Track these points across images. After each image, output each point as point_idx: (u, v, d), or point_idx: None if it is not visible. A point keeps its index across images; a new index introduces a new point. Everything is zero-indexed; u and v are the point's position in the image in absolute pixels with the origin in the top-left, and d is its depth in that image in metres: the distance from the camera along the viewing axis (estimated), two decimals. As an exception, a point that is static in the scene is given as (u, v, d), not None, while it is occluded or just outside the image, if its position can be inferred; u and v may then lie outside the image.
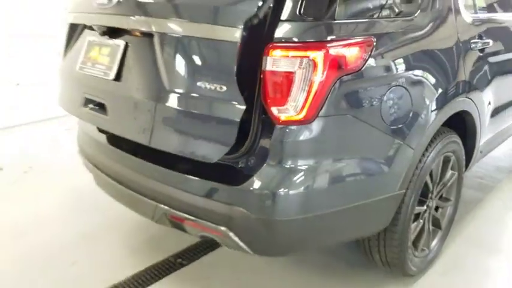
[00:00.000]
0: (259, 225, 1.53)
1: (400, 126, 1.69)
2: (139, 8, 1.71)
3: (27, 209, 2.87)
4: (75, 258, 2.35)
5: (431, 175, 2.03)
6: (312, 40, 1.45)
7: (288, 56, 1.42)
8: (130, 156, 1.80)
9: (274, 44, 1.41)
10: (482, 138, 2.46)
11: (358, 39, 1.52)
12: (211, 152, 1.51)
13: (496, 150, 3.91)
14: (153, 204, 1.75)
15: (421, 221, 2.09)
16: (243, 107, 1.42)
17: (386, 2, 1.72)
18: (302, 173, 1.51)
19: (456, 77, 1.99)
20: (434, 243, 2.28)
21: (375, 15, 1.67)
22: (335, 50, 1.47)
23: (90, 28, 1.94)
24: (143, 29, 1.67)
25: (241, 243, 1.60)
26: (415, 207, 1.96)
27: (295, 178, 1.50)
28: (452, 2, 2.03)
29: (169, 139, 1.63)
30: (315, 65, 1.43)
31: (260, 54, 1.42)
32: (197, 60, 1.57)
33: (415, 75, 1.75)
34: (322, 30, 1.49)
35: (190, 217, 1.65)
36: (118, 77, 1.74)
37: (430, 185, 2.06)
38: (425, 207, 2.09)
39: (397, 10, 1.76)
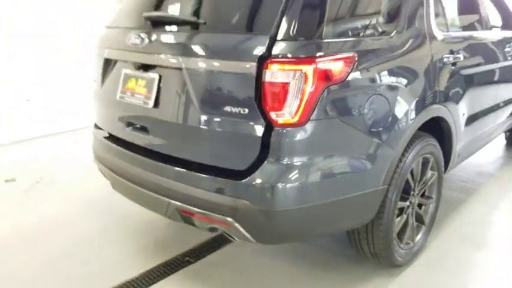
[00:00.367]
0: (261, 216, 1.77)
1: (380, 129, 1.95)
2: (167, 47, 2.00)
3: (41, 214, 3.09)
4: (87, 258, 2.56)
5: (412, 174, 2.29)
6: (304, 56, 1.72)
7: (283, 69, 1.68)
8: (147, 160, 2.05)
9: (272, 60, 1.68)
10: (459, 143, 2.72)
11: (342, 55, 1.80)
12: (240, 162, 1.79)
13: (478, 157, 4.21)
14: (166, 201, 1.99)
15: (404, 215, 2.33)
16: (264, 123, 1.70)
17: (367, 23, 2.01)
18: (297, 169, 1.76)
19: (430, 87, 2.27)
20: (418, 237, 2.51)
21: (357, 35, 1.95)
22: (323, 64, 1.73)
23: (125, 62, 2.21)
24: (173, 65, 1.95)
25: (245, 233, 1.83)
26: (398, 202, 2.21)
27: (291, 173, 1.75)
28: (425, 22, 2.32)
29: (203, 154, 1.91)
30: (306, 77, 1.69)
31: None
32: (220, 88, 1.84)
33: (392, 85, 2.02)
34: (312, 47, 1.76)
35: (200, 210, 1.88)
36: (156, 104, 2.01)
37: (412, 183, 2.31)
38: (408, 203, 2.34)
39: (376, 30, 2.05)
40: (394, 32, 2.11)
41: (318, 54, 1.75)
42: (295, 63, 1.70)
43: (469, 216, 3.08)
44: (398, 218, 2.29)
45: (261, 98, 1.70)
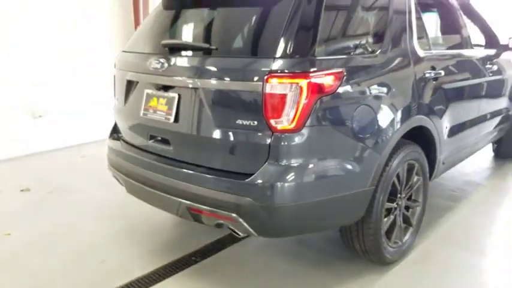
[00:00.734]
0: (262, 211, 2.01)
1: (367, 135, 2.20)
2: (185, 70, 2.28)
3: (56, 220, 3.31)
4: (103, 258, 2.77)
5: (398, 178, 2.53)
6: (299, 71, 1.99)
7: (281, 83, 1.95)
8: (163, 166, 2.32)
9: (272, 74, 1.95)
10: (443, 152, 2.97)
11: (332, 71, 2.07)
12: (251, 166, 2.04)
13: (466, 167, 4.46)
14: (178, 201, 2.23)
15: (391, 216, 2.56)
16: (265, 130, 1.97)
17: (354, 44, 2.30)
18: (294, 170, 2.01)
19: (413, 100, 2.53)
20: (406, 237, 2.74)
21: (345, 53, 2.24)
22: (316, 78, 2.00)
23: (147, 83, 2.48)
24: (190, 85, 2.22)
25: (248, 227, 2.07)
26: (386, 203, 2.45)
27: (288, 173, 2.00)
28: (408, 43, 2.60)
29: (215, 159, 2.19)
30: (301, 89, 1.96)
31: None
32: (233, 104, 2.12)
33: (377, 97, 2.29)
34: (306, 64, 2.03)
35: (207, 208, 2.12)
36: (176, 119, 2.29)
37: (398, 186, 2.55)
38: (395, 204, 2.57)
39: (362, 50, 2.34)
40: (379, 51, 2.39)
41: (312, 69, 2.02)
42: (292, 77, 1.96)
43: (455, 221, 3.31)
44: (386, 218, 2.52)
45: (262, 107, 1.96)
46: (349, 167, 2.16)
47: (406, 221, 2.74)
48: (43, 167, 4.62)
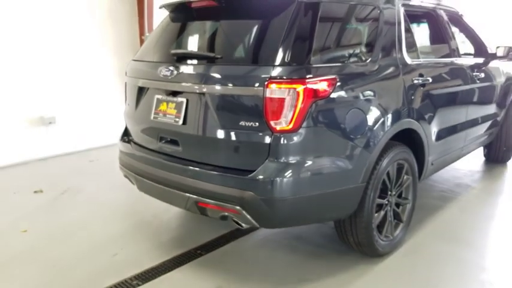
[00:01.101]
0: (263, 204, 2.23)
1: (358, 136, 2.43)
2: (192, 77, 2.51)
3: (69, 218, 3.53)
4: (115, 251, 2.99)
5: (388, 176, 2.75)
6: (296, 78, 2.22)
7: (280, 88, 2.18)
8: (172, 164, 2.54)
9: (271, 80, 2.18)
10: (431, 154, 3.18)
11: (326, 77, 2.30)
12: (252, 163, 2.26)
13: (457, 171, 4.68)
14: (186, 195, 2.45)
15: (382, 212, 2.77)
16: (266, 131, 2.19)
17: (346, 53, 2.54)
18: (292, 166, 2.23)
19: (402, 104, 2.75)
20: (397, 232, 2.94)
21: (338, 62, 2.47)
22: (311, 84, 2.23)
23: (157, 89, 2.71)
24: (197, 90, 2.45)
25: (251, 218, 2.28)
26: (377, 199, 2.66)
27: (287, 170, 2.22)
28: (397, 52, 2.83)
29: (220, 158, 2.40)
30: (298, 94, 2.19)
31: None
32: (236, 108, 2.35)
33: (367, 101, 2.51)
34: (302, 71, 2.26)
35: (214, 201, 2.34)
36: (185, 122, 2.51)
37: (388, 184, 2.77)
38: (386, 201, 2.78)
39: (353, 58, 2.57)
40: (370, 59, 2.62)
41: (308, 76, 2.25)
42: (290, 83, 2.19)
43: (444, 218, 3.52)
44: (378, 213, 2.73)
45: (263, 110, 2.19)
46: (342, 164, 2.38)
47: (397, 217, 2.95)
48: (54, 170, 4.85)
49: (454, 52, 3.66)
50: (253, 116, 2.25)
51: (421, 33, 3.74)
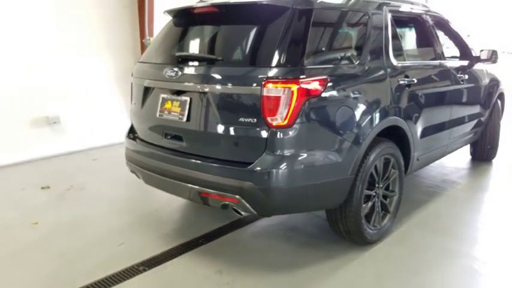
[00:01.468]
0: (260, 193, 2.45)
1: (347, 131, 2.65)
2: (196, 77, 2.72)
3: (76, 212, 3.73)
4: (121, 241, 3.19)
5: (376, 170, 2.97)
6: (291, 78, 2.44)
7: (276, 87, 2.40)
8: (176, 158, 2.76)
9: (268, 80, 2.41)
10: (417, 150, 3.41)
11: (318, 77, 2.52)
12: (251, 156, 2.48)
13: (444, 168, 4.93)
14: (190, 186, 2.67)
15: (370, 202, 2.99)
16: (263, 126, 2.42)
17: (336, 56, 2.76)
18: (286, 159, 2.45)
19: (387, 103, 2.98)
20: (385, 222, 3.17)
21: (329, 63, 2.70)
22: (304, 84, 2.46)
23: (162, 89, 2.92)
24: (200, 90, 2.66)
25: (249, 207, 2.50)
26: (365, 191, 2.88)
27: (282, 162, 2.44)
28: (384, 55, 3.06)
29: (221, 151, 2.62)
30: (292, 93, 2.41)
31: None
32: (236, 105, 2.56)
33: (356, 100, 2.73)
34: (296, 72, 2.48)
35: (215, 191, 2.56)
36: (188, 119, 2.73)
37: (376, 177, 2.99)
38: (373, 192, 3.01)
39: (343, 61, 2.80)
40: (358, 61, 2.85)
41: (301, 76, 2.47)
42: (285, 83, 2.42)
43: (429, 211, 3.75)
44: (366, 204, 2.95)
45: (260, 107, 2.42)
46: (332, 157, 2.61)
47: (385, 208, 3.18)
48: (59, 168, 5.04)
49: (439, 55, 3.90)
50: (252, 113, 2.47)
51: (408, 37, 3.98)
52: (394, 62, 3.15)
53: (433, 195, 4.15)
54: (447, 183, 4.52)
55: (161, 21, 3.40)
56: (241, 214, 2.63)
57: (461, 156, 5.31)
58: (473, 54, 4.48)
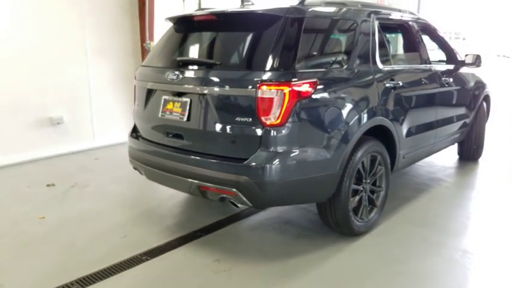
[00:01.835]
0: (256, 186, 2.66)
1: (335, 130, 2.88)
2: (195, 80, 2.94)
3: (81, 207, 3.93)
4: (124, 234, 3.39)
5: (363, 166, 3.19)
6: (283, 80, 2.66)
7: (270, 89, 2.62)
8: (177, 155, 2.97)
9: (263, 83, 2.63)
10: (402, 148, 3.63)
11: (308, 80, 2.74)
12: (246, 153, 2.69)
13: (432, 166, 5.15)
14: (190, 181, 2.88)
15: (357, 196, 3.21)
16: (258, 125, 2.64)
17: (325, 60, 2.99)
18: (279, 155, 2.67)
19: (373, 104, 3.20)
20: (372, 215, 3.39)
21: (318, 67, 2.93)
22: (296, 86, 2.68)
23: (164, 91, 3.13)
24: (200, 91, 2.88)
25: (245, 199, 2.71)
26: (353, 185, 3.10)
27: (276, 158, 2.66)
28: (371, 59, 3.29)
29: (220, 148, 2.83)
30: (284, 94, 2.63)
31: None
32: (233, 106, 2.78)
33: (343, 101, 2.96)
34: (288, 75, 2.70)
35: (214, 185, 2.77)
36: (189, 119, 2.94)
37: (363, 173, 3.22)
38: (361, 187, 3.23)
39: (332, 65, 3.03)
40: (346, 66, 3.08)
41: (293, 79, 2.69)
42: (278, 85, 2.64)
43: (416, 206, 3.97)
44: (353, 198, 3.17)
45: (255, 108, 2.64)
46: (322, 153, 2.83)
47: (372, 202, 3.40)
48: (62, 167, 5.23)
49: (424, 59, 4.13)
50: (247, 113, 2.69)
51: (394, 42, 4.21)
52: (381, 66, 3.38)
53: (419, 191, 4.37)
54: (434, 180, 4.74)
55: (161, 26, 3.60)
56: (237, 206, 2.84)
57: (449, 156, 5.54)
58: (459, 59, 4.72)
